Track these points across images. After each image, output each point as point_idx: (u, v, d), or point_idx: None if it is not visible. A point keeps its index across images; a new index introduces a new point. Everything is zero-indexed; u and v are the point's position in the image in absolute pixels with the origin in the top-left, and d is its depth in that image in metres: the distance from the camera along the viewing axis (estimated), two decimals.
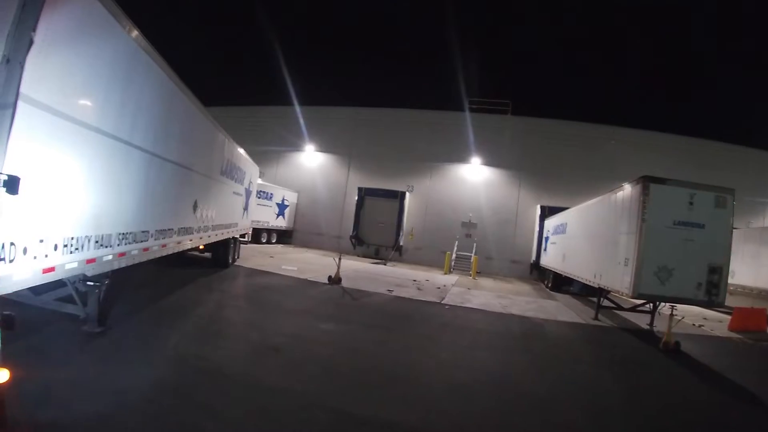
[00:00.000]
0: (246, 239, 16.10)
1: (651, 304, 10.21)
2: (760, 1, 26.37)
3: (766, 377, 7.16)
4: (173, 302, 7.58)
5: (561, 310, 11.92)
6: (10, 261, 3.14)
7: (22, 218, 3.23)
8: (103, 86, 4.33)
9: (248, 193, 13.92)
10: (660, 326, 10.16)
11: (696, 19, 35.73)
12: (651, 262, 8.24)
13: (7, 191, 2.94)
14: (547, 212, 19.92)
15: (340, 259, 12.32)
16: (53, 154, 3.62)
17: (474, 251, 21.20)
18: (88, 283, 4.77)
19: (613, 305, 10.74)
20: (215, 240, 10.43)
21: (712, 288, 8.15)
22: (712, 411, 5.37)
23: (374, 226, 22.46)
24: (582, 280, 12.34)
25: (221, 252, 11.82)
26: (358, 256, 23.21)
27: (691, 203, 8.29)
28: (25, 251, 3.30)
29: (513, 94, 25.88)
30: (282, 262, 15.58)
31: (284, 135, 24.76)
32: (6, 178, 2.92)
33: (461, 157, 23.02)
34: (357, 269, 16.42)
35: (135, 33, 4.82)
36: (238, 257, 13.64)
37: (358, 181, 24.16)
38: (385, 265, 20.22)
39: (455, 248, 21.48)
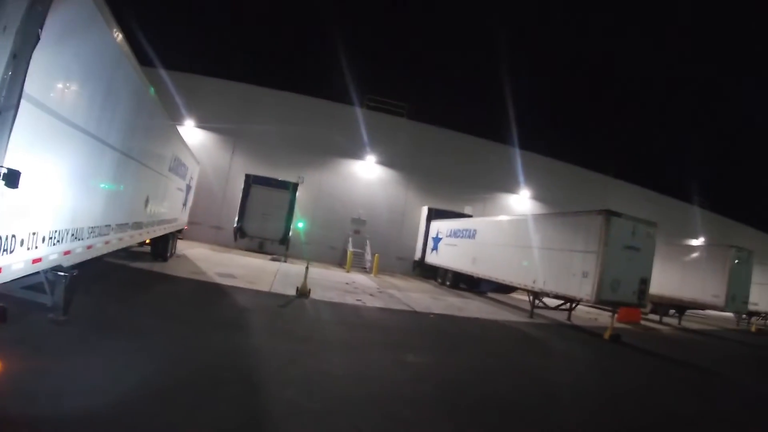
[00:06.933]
0: (181, 236, 13.10)
1: (569, 304, 12.94)
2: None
3: (691, 353, 11.12)
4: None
5: (494, 309, 13.65)
6: (11, 252, 3.27)
7: (20, 211, 3.33)
8: (90, 86, 4.34)
9: (188, 188, 13.40)
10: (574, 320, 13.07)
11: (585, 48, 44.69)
12: (608, 275, 10.45)
13: (7, 185, 2.94)
14: (434, 214, 22.02)
15: (307, 268, 10.76)
16: (45, 150, 3.67)
17: (368, 248, 21.55)
18: (58, 273, 4.71)
19: (542, 305, 13.00)
20: (160, 234, 10.45)
21: (641, 294, 10.97)
22: (692, 372, 8.27)
23: (261, 218, 20.22)
24: (506, 283, 14.44)
25: (161, 246, 11.82)
26: (241, 249, 20.50)
27: (633, 232, 10.85)
28: (22, 243, 3.40)
29: (409, 99, 27.10)
30: (200, 264, 12.80)
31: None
32: (6, 171, 2.91)
33: (355, 154, 22.76)
34: (265, 269, 14.61)
35: (115, 29, 4.73)
36: (174, 251, 13.35)
37: (243, 166, 21.06)
38: (284, 262, 18.56)
39: (350, 245, 21.34)
